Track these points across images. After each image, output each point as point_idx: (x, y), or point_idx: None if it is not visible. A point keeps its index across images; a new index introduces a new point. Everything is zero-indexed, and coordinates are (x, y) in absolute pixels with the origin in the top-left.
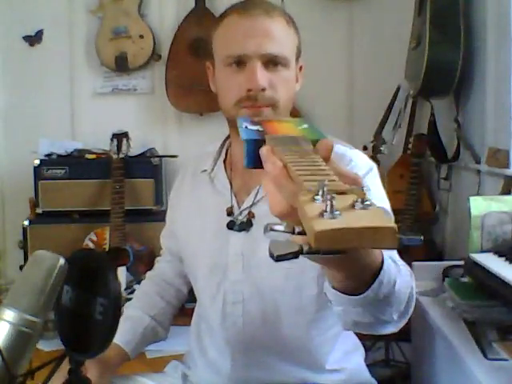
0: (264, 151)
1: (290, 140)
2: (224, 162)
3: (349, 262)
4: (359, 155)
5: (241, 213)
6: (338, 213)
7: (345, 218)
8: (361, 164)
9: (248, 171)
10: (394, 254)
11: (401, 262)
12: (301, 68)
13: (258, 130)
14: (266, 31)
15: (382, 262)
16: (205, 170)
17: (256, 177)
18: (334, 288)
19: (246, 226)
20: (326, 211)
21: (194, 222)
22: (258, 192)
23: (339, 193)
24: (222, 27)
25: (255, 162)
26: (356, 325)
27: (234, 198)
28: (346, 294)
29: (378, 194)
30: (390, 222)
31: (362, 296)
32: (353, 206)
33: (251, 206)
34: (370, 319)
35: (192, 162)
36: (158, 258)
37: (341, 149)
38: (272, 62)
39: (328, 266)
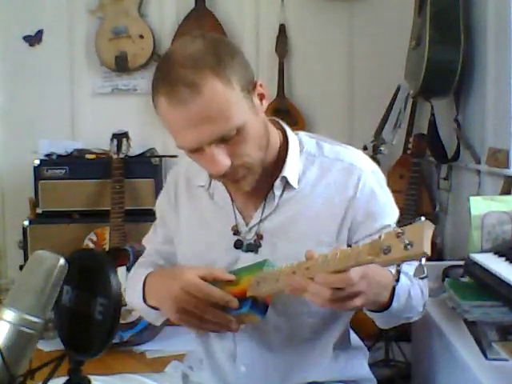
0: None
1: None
2: None
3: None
4: (364, 161)
5: (250, 229)
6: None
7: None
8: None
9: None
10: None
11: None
12: (262, 96)
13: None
14: (201, 117)
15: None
16: (202, 186)
17: (259, 191)
18: (368, 311)
19: (254, 247)
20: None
21: (198, 234)
22: (264, 207)
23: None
24: (157, 107)
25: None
26: (390, 324)
27: (238, 214)
28: (378, 311)
29: (387, 208)
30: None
31: (389, 310)
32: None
33: (259, 222)
34: (401, 320)
35: (182, 175)
36: (141, 260)
37: (347, 157)
38: (226, 137)
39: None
